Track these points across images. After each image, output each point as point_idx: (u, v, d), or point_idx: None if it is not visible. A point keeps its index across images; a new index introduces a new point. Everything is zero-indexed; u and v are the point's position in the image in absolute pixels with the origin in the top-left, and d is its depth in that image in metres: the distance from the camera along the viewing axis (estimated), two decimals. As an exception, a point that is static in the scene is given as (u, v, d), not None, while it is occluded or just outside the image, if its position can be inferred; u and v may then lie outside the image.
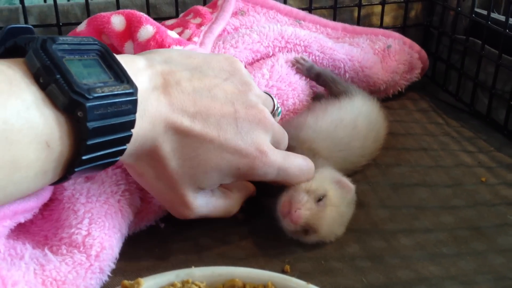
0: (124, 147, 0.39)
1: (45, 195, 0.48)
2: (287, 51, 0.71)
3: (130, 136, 0.39)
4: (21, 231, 0.48)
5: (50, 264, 0.43)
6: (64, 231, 0.46)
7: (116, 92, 0.37)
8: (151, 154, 0.43)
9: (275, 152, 0.47)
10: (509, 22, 0.70)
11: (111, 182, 0.51)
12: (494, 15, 0.77)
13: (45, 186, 0.38)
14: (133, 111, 0.38)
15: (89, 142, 0.35)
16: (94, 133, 0.36)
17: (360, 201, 0.59)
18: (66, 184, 0.48)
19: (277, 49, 0.70)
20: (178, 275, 0.38)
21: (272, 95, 0.53)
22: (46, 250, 0.44)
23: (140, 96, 0.39)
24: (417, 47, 0.83)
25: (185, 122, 0.43)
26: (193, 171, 0.44)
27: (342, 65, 0.73)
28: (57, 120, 0.34)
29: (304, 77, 0.70)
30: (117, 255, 0.48)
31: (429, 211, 0.57)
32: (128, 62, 0.41)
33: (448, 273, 0.49)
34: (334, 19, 0.86)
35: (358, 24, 0.87)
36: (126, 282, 0.36)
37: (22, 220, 0.46)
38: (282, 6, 0.79)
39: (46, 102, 0.34)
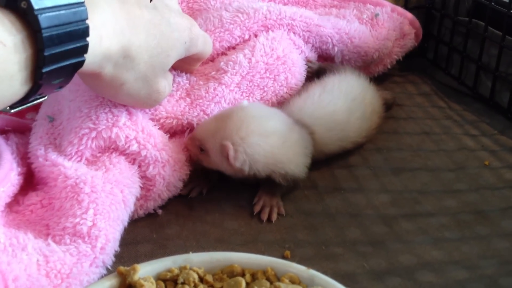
0: (85, 42, 0.38)
1: (5, 165, 0.48)
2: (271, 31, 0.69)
3: (87, 26, 0.38)
4: (21, 220, 0.47)
5: (54, 255, 0.42)
6: (67, 221, 0.45)
7: None
8: (126, 54, 0.45)
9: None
10: (513, 2, 0.69)
11: (115, 170, 0.50)
12: (498, -4, 0.76)
13: (20, 96, 0.37)
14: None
15: (45, 34, 0.35)
16: (46, 20, 0.35)
17: (361, 186, 0.58)
18: (69, 172, 0.48)
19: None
20: (175, 261, 0.37)
21: None
22: (50, 240, 0.44)
23: None
24: (409, 14, 0.81)
25: (137, 11, 0.47)
26: (159, 57, 0.49)
27: (330, 40, 0.72)
28: (3, 17, 0.34)
29: (296, 50, 0.68)
30: (118, 248, 0.47)
31: (431, 195, 0.57)
32: None
33: (451, 257, 0.48)
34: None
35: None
36: (122, 268, 0.35)
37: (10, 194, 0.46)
38: None
39: None
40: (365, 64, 0.75)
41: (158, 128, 0.55)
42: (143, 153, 0.52)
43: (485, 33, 0.74)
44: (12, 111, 0.39)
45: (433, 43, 0.86)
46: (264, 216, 0.53)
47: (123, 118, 0.51)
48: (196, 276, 0.36)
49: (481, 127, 0.70)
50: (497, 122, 0.71)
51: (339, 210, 0.54)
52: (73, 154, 0.50)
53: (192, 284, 0.35)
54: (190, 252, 0.38)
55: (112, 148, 0.52)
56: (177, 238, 0.50)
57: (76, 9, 0.37)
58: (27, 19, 0.34)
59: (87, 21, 0.38)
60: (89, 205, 0.46)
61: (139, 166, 0.52)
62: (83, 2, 0.38)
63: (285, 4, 0.78)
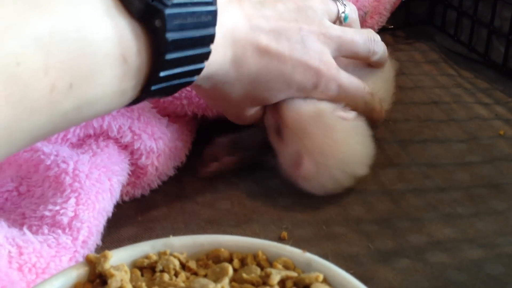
0: (202, 65, 0.36)
1: None
2: None
3: (209, 53, 0.36)
4: None
5: (29, 247, 0.38)
6: (46, 209, 0.41)
7: (195, 0, 0.33)
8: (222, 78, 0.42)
9: (337, 67, 0.48)
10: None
11: (103, 155, 0.46)
12: (511, -47, 0.70)
13: (120, 107, 0.35)
14: (213, 23, 0.35)
15: (168, 57, 0.32)
16: (173, 46, 0.32)
17: (365, 160, 0.54)
18: (48, 161, 0.43)
19: None
20: (154, 245, 0.33)
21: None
22: (25, 229, 0.39)
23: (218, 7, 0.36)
24: None
25: (263, 39, 0.42)
26: (257, 92, 0.45)
27: None
28: (133, 31, 0.31)
29: None
30: (100, 242, 0.43)
31: (442, 169, 0.52)
32: None
33: (465, 235, 0.44)
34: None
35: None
36: (91, 255, 0.31)
37: None
38: None
39: (120, 9, 0.30)
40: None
41: (157, 111, 0.51)
42: (137, 144, 0.47)
43: (498, -6, 0.69)
44: None
45: (440, 8, 0.81)
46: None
47: None
48: (177, 262, 0.32)
49: (494, 94, 0.66)
50: (511, 89, 0.66)
51: (341, 187, 0.50)
52: (58, 140, 0.46)
53: (173, 272, 0.31)
54: (171, 236, 0.33)
55: (102, 134, 0.48)
56: (164, 220, 0.46)
57: (203, 36, 0.35)
58: (156, 39, 0.31)
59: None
60: (70, 195, 0.42)
61: (131, 153, 0.48)
62: (213, 35, 0.36)
63: None
